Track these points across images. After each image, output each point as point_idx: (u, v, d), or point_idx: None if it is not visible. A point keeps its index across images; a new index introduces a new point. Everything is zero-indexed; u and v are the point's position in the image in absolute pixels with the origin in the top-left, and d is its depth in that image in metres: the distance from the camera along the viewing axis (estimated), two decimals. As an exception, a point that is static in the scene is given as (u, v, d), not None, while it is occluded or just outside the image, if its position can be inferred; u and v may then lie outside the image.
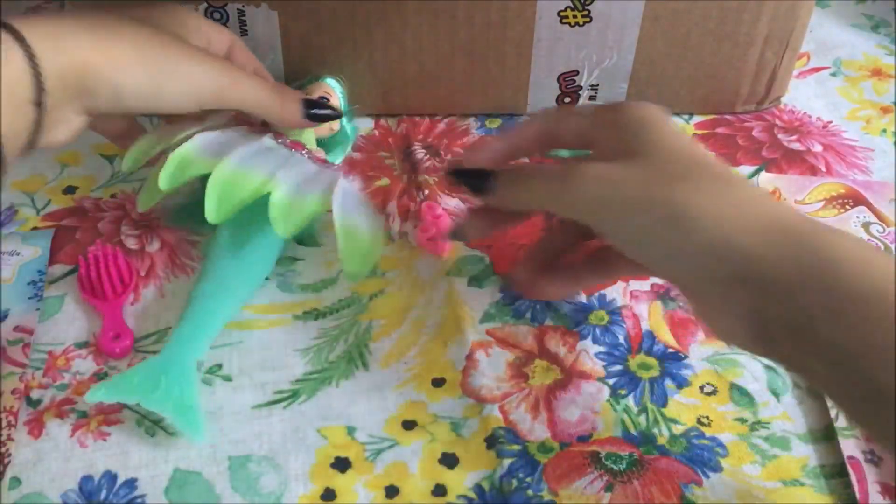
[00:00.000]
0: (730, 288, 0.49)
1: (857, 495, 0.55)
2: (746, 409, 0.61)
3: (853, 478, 0.56)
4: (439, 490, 0.56)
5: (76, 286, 0.67)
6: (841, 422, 0.59)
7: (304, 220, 0.62)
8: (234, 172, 0.62)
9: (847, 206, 0.72)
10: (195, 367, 0.61)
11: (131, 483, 0.57)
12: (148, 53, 0.58)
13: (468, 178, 0.59)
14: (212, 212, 0.61)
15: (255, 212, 0.62)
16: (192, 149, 0.63)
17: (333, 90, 0.75)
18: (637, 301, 0.67)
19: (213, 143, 0.64)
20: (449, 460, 0.58)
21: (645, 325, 0.65)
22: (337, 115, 0.68)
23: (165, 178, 0.62)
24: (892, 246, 0.69)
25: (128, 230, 0.71)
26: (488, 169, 0.59)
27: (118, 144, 0.66)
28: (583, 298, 0.67)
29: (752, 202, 0.50)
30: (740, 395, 0.61)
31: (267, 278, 0.68)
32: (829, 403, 0.60)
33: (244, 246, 0.65)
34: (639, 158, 0.52)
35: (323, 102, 0.67)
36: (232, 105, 0.62)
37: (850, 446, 0.57)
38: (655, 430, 0.59)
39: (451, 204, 0.74)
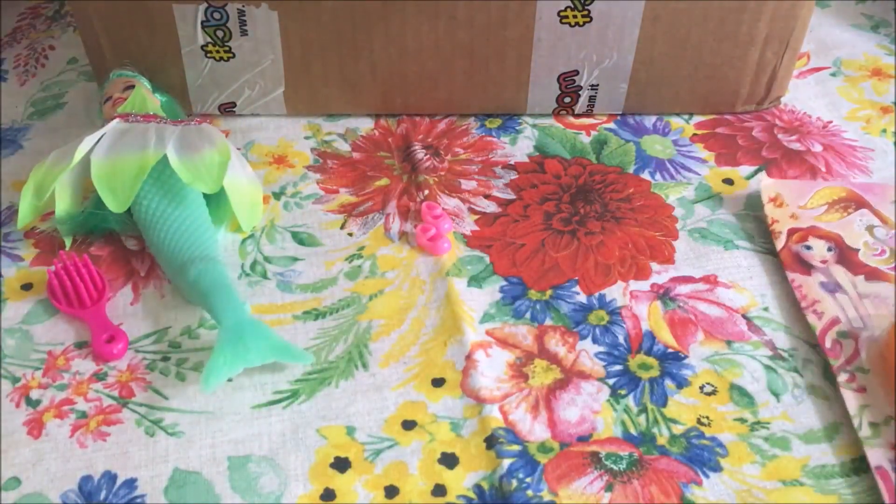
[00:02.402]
0: None
1: (887, 502, 0.55)
2: (746, 409, 0.61)
3: (882, 486, 0.55)
4: (439, 490, 0.56)
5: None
6: (865, 431, 0.58)
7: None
8: (110, 162, 0.66)
9: (849, 210, 0.72)
10: (250, 314, 0.63)
11: (131, 483, 0.57)
12: None
13: None
14: (113, 202, 0.66)
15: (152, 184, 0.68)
16: (46, 164, 0.69)
17: (134, 79, 0.75)
18: (637, 301, 0.67)
19: (60, 152, 0.69)
20: (449, 460, 0.58)
21: (645, 325, 0.65)
22: None
23: (30, 191, 0.68)
24: None
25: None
26: None
27: None
28: (583, 298, 0.67)
29: None
30: (740, 395, 0.61)
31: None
32: (853, 410, 0.59)
33: (170, 210, 0.68)
34: None
35: None
36: None
37: (878, 456, 0.57)
38: (655, 430, 0.59)
39: (451, 204, 0.74)
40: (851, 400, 0.60)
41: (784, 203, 0.72)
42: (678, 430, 0.59)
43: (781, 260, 0.69)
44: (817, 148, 0.79)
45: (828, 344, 0.63)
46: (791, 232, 0.70)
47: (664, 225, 0.72)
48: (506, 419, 0.60)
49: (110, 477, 0.57)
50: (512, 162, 0.77)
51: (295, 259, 0.70)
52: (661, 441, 0.59)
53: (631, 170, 0.77)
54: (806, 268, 0.68)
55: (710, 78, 0.79)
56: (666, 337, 0.65)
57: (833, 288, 0.66)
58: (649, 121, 0.81)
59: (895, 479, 0.56)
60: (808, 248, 0.69)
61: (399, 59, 0.77)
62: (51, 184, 0.67)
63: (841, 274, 0.67)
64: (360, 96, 0.80)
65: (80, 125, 0.80)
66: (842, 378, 0.61)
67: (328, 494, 0.56)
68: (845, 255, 0.69)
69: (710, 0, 0.73)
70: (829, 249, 0.69)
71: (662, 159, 0.78)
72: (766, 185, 0.74)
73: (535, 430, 0.59)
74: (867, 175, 0.76)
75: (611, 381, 0.62)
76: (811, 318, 0.64)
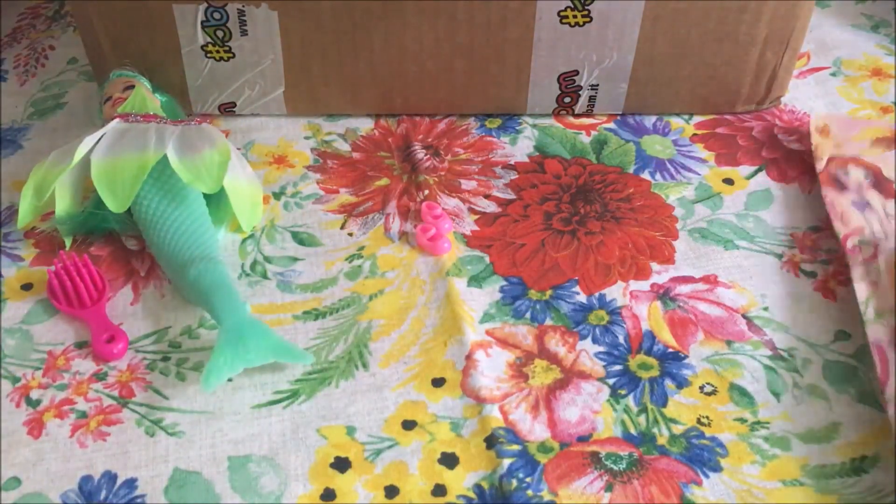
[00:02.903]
0: None
1: (879, 375, 0.57)
2: (746, 409, 0.61)
3: (876, 359, 0.58)
4: (439, 490, 0.56)
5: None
6: (869, 315, 0.61)
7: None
8: (110, 162, 0.66)
9: (891, 146, 0.75)
10: (250, 314, 0.63)
11: (131, 483, 0.57)
12: None
13: None
14: (113, 202, 0.66)
15: (152, 184, 0.68)
16: (46, 164, 0.69)
17: (134, 79, 0.75)
18: (637, 301, 0.67)
19: (60, 152, 0.69)
20: (449, 460, 0.58)
21: (645, 325, 0.65)
22: None
23: (30, 191, 0.68)
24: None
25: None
26: None
27: None
28: (583, 298, 0.67)
29: None
30: (740, 395, 0.61)
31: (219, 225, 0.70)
32: (861, 298, 0.62)
33: (172, 208, 0.68)
34: None
35: None
36: None
37: (877, 331, 0.60)
38: (655, 430, 0.59)
39: (451, 204, 0.74)
40: (862, 290, 0.63)
41: (831, 134, 0.75)
42: (678, 430, 0.59)
43: (819, 180, 0.72)
44: (817, 148, 0.79)
45: (849, 245, 0.66)
46: (832, 159, 0.73)
47: (664, 225, 0.72)
48: (506, 419, 0.60)
49: (110, 477, 0.57)
50: (512, 162, 0.77)
51: (295, 259, 0.70)
52: (661, 441, 0.59)
53: (631, 170, 0.77)
54: (841, 188, 0.71)
55: (710, 78, 0.79)
56: (666, 337, 0.65)
57: (863, 206, 0.69)
58: (649, 121, 0.81)
59: (889, 354, 0.58)
60: (847, 173, 0.72)
61: (399, 59, 0.77)
62: (51, 184, 0.67)
63: (874, 197, 0.70)
64: (359, 96, 0.80)
65: (80, 125, 0.80)
66: (856, 273, 0.64)
67: (328, 494, 0.56)
68: (881, 184, 0.71)
69: (710, 0, 0.73)
70: (866, 177, 0.72)
71: (662, 159, 0.78)
72: (816, 116, 0.77)
73: (535, 430, 0.59)
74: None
75: (611, 381, 0.62)
76: (837, 225, 0.68)
